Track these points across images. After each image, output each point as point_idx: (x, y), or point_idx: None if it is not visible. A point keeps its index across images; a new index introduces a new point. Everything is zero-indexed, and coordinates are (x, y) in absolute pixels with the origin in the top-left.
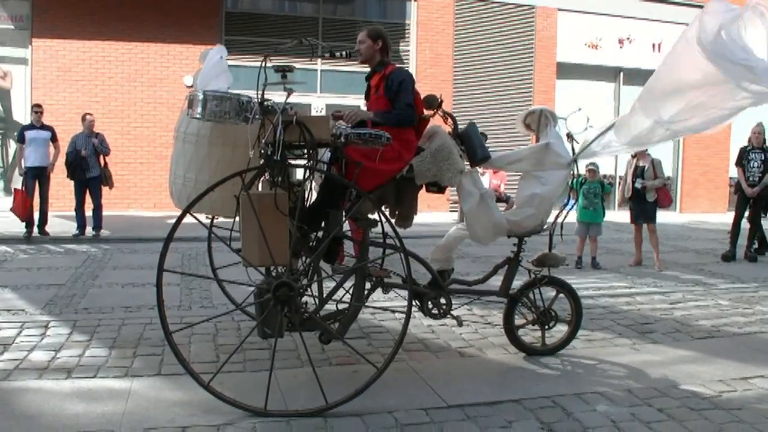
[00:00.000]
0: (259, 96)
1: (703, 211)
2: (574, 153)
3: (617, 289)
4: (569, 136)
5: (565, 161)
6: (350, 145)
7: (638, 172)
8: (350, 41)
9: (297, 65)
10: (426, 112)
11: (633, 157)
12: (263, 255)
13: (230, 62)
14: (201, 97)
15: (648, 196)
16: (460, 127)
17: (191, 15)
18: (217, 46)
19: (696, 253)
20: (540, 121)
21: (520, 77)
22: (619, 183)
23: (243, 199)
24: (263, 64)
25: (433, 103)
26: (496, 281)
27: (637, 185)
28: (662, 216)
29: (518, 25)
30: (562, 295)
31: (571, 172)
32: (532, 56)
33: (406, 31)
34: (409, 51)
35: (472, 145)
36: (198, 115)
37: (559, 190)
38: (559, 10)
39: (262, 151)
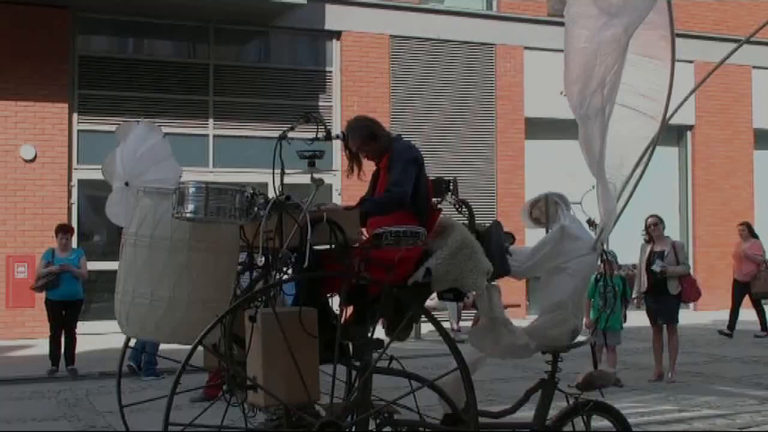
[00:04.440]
0: (278, 188)
1: (725, 307)
2: (599, 235)
3: (665, 414)
4: (590, 222)
5: (588, 245)
6: (384, 246)
7: (654, 260)
8: (256, 95)
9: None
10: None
11: (647, 241)
12: (293, 389)
13: (86, 126)
14: (194, 190)
15: (670, 287)
16: (480, 222)
17: (28, 60)
18: (141, 122)
19: (741, 363)
20: (548, 209)
21: (480, 138)
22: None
23: (265, 320)
24: (278, 146)
25: (445, 189)
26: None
27: (656, 268)
28: None
29: (474, 70)
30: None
31: (599, 260)
32: (492, 110)
33: (327, 81)
34: (331, 106)
35: (489, 254)
36: (191, 214)
37: (586, 281)
38: (526, 48)
39: (280, 258)
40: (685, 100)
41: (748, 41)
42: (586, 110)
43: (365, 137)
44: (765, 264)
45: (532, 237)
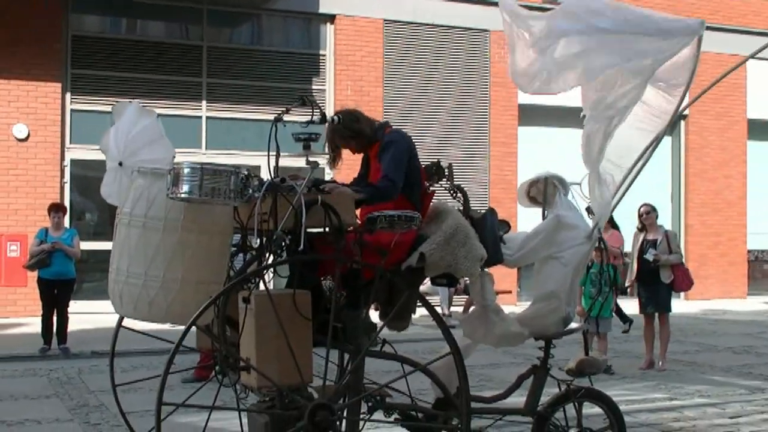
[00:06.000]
0: (272, 170)
1: (715, 296)
2: (595, 225)
3: (656, 402)
4: (589, 211)
5: (583, 234)
6: (377, 230)
7: (646, 248)
8: (249, 77)
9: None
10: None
11: (640, 229)
12: (286, 371)
13: (79, 105)
14: (189, 171)
15: (663, 276)
16: (474, 209)
17: (21, 39)
18: (134, 102)
19: (732, 353)
20: (546, 189)
21: (472, 124)
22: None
23: (259, 301)
24: (273, 128)
25: (436, 173)
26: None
27: (649, 257)
28: None
29: (467, 55)
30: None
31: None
32: (486, 96)
33: (321, 65)
34: (324, 90)
35: (482, 241)
36: (185, 194)
37: (580, 270)
38: None
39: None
40: (698, 97)
41: None
42: (599, 113)
43: (347, 137)
44: (623, 256)
45: (524, 225)
